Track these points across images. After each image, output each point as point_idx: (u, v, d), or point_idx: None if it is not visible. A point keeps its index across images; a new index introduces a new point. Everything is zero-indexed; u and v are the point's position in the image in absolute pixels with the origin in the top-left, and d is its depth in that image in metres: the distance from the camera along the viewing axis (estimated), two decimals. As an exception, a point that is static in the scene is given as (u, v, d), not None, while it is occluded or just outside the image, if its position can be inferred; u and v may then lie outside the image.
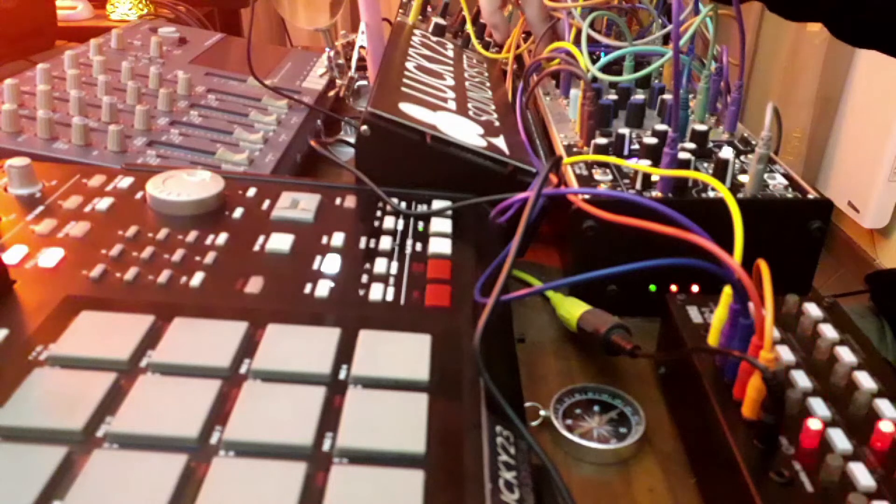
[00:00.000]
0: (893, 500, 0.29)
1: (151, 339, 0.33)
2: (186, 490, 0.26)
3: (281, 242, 0.41)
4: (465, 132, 0.52)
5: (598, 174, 0.51)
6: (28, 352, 0.31)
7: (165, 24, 0.98)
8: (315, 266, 0.40)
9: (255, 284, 0.38)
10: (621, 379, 0.44)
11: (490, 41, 0.79)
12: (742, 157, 0.54)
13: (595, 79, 0.61)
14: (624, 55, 0.65)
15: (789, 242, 0.48)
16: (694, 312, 0.41)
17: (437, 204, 0.48)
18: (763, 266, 0.33)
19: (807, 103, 2.01)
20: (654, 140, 0.51)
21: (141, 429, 0.28)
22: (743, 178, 0.50)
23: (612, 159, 0.50)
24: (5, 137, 0.58)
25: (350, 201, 0.47)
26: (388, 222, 0.45)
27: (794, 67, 2.02)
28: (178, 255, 0.39)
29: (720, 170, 0.50)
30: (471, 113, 0.58)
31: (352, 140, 0.53)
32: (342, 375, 0.32)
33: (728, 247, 0.33)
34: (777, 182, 0.50)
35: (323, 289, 0.38)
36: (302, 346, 0.33)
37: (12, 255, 0.38)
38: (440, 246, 0.43)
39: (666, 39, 0.68)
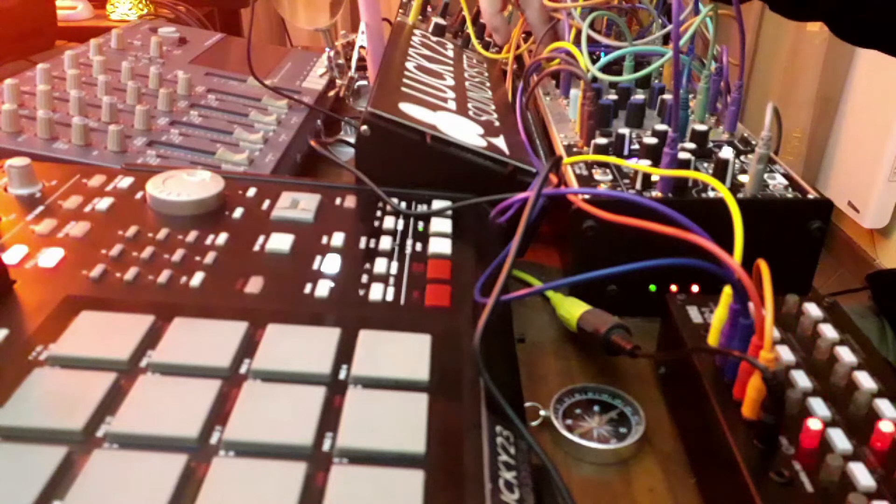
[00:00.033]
0: (893, 500, 0.29)
1: (151, 339, 0.33)
2: (186, 490, 0.26)
3: (281, 242, 0.41)
4: (465, 132, 0.52)
5: (598, 174, 0.51)
6: (28, 352, 0.31)
7: (165, 24, 0.98)
8: (315, 266, 0.40)
9: (255, 284, 0.38)
10: (621, 379, 0.44)
11: (490, 41, 0.79)
12: (742, 157, 0.54)
13: (595, 79, 0.61)
14: (624, 55, 0.65)
15: (789, 242, 0.48)
16: (694, 312, 0.41)
17: (437, 204, 0.48)
18: (763, 266, 0.33)
19: (807, 103, 2.01)
20: (654, 140, 0.51)
21: (141, 429, 0.28)
22: (743, 178, 0.50)
23: (612, 159, 0.50)
24: (5, 137, 0.58)
25: (350, 201, 0.47)
26: (388, 222, 0.45)
27: (794, 67, 2.02)
28: (178, 255, 0.39)
29: (720, 170, 0.50)
30: (471, 113, 0.58)
31: (352, 140, 0.53)
32: (342, 375, 0.32)
33: (728, 247, 0.33)
34: (777, 182, 0.50)
35: (323, 289, 0.38)
36: (302, 346, 0.33)
37: (12, 255, 0.38)
38: (440, 246, 0.43)
39: (666, 39, 0.68)
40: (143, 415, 0.28)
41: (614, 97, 0.62)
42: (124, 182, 0.47)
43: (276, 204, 0.46)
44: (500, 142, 0.54)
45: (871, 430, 0.32)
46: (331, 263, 0.40)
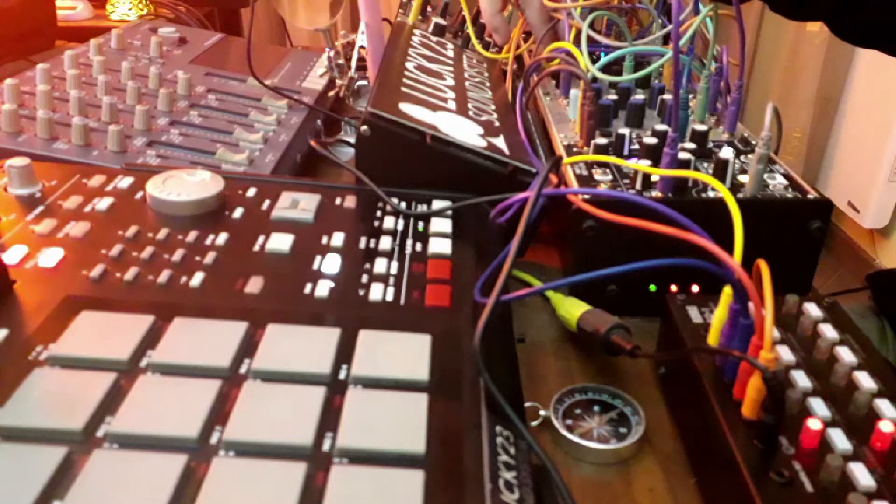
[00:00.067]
0: (893, 500, 0.29)
1: (151, 339, 0.33)
2: (186, 490, 0.26)
3: (281, 242, 0.41)
4: (465, 132, 0.52)
5: (598, 174, 0.51)
6: (28, 352, 0.31)
7: (165, 24, 0.98)
8: (315, 266, 0.40)
9: (255, 284, 0.38)
10: (621, 379, 0.44)
11: (490, 41, 0.79)
12: (742, 157, 0.54)
13: (595, 79, 0.61)
14: (624, 55, 0.65)
15: (789, 242, 0.48)
16: (694, 312, 0.41)
17: (437, 204, 0.48)
18: (763, 266, 0.33)
19: (807, 103, 2.01)
20: (654, 140, 0.51)
21: (141, 429, 0.28)
22: (743, 178, 0.50)
23: (612, 159, 0.50)
24: (5, 137, 0.58)
25: (350, 201, 0.47)
26: (388, 222, 0.45)
27: (794, 67, 2.02)
28: (178, 255, 0.39)
29: (720, 170, 0.50)
30: (471, 113, 0.58)
31: (352, 140, 0.53)
32: (342, 375, 0.32)
33: (728, 247, 0.33)
34: (777, 182, 0.50)
35: (323, 289, 0.38)
36: (302, 346, 0.33)
37: (12, 255, 0.38)
38: (440, 246, 0.43)
39: (666, 39, 0.68)
40: (143, 415, 0.28)
41: (614, 97, 0.62)
42: (124, 182, 0.47)
43: (276, 204, 0.46)
44: (500, 142, 0.54)
45: (871, 430, 0.32)
46: (331, 263, 0.40)
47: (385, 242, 0.43)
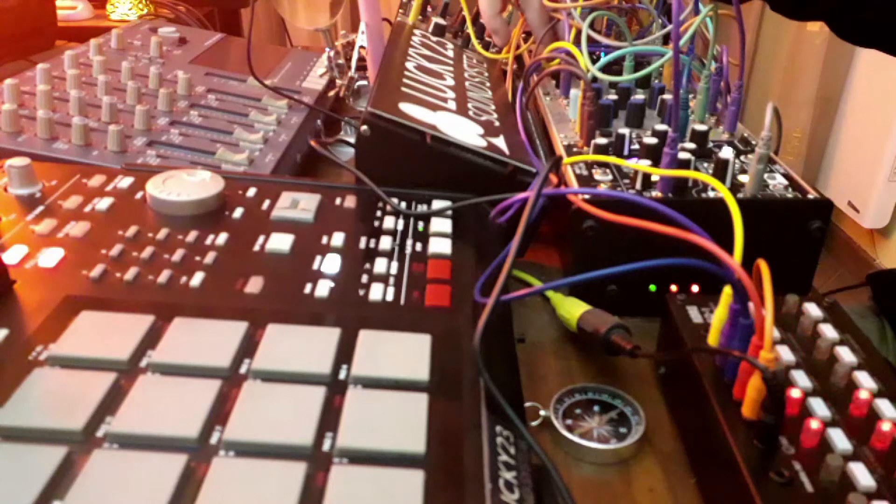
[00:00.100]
0: (893, 500, 0.29)
1: (151, 339, 0.33)
2: (186, 490, 0.26)
3: (281, 242, 0.41)
4: (465, 132, 0.52)
5: (598, 174, 0.51)
6: (28, 352, 0.31)
7: (165, 24, 0.98)
8: (315, 266, 0.40)
9: (255, 284, 0.38)
10: (621, 379, 0.44)
11: (490, 41, 0.79)
12: (742, 157, 0.54)
13: (595, 79, 0.61)
14: (624, 55, 0.65)
15: (789, 242, 0.48)
16: (694, 312, 0.41)
17: (437, 204, 0.48)
18: (763, 266, 0.33)
19: (807, 103, 2.01)
20: (654, 140, 0.51)
21: (141, 429, 0.28)
22: (743, 178, 0.50)
23: (612, 159, 0.50)
24: (5, 137, 0.58)
25: (350, 201, 0.47)
26: (388, 222, 0.45)
27: (794, 67, 2.02)
28: (178, 255, 0.39)
29: (720, 170, 0.50)
30: (471, 113, 0.58)
31: (352, 140, 0.53)
32: (342, 375, 0.32)
33: (728, 247, 0.33)
34: (777, 182, 0.50)
35: (323, 289, 0.38)
36: (302, 346, 0.33)
37: (12, 255, 0.38)
38: (440, 246, 0.43)
39: (666, 39, 0.68)
40: (143, 415, 0.28)
41: (614, 97, 0.62)
42: (124, 182, 0.47)
43: (276, 204, 0.46)
44: (500, 142, 0.54)
45: (872, 430, 0.32)
46: (331, 263, 0.40)
47: (385, 242, 0.43)
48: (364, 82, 0.82)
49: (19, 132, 0.59)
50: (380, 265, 0.40)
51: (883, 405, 0.34)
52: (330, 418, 0.29)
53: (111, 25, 1.15)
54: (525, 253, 0.54)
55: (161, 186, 0.44)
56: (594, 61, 0.61)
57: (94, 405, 0.28)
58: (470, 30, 0.80)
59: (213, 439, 0.28)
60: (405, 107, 0.51)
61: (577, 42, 0.63)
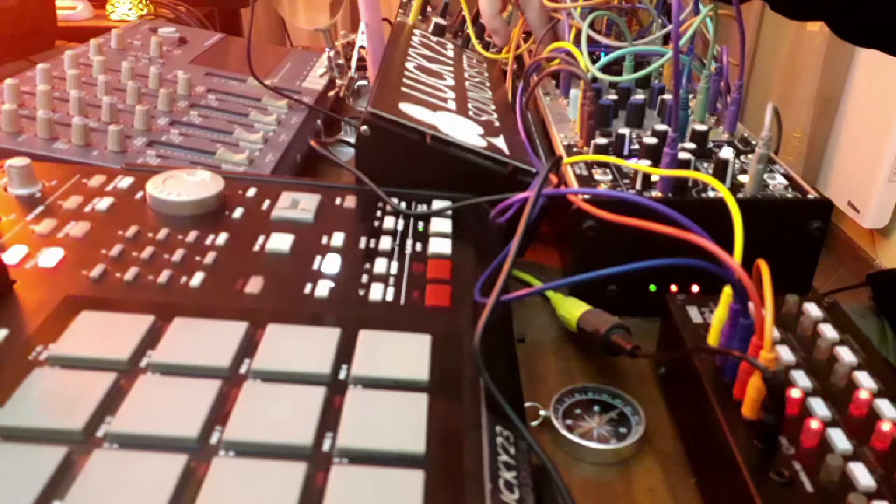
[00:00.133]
0: (893, 500, 0.29)
1: (151, 339, 0.33)
2: (186, 490, 0.26)
3: (281, 242, 0.41)
4: (465, 132, 0.52)
5: (598, 174, 0.51)
6: (28, 352, 0.31)
7: (165, 24, 0.98)
8: (315, 266, 0.40)
9: (255, 284, 0.38)
10: (621, 379, 0.44)
11: (490, 41, 0.79)
12: (742, 157, 0.54)
13: (595, 79, 0.61)
14: (624, 55, 0.65)
15: (789, 242, 0.48)
16: (694, 312, 0.41)
17: (437, 204, 0.48)
18: (763, 266, 0.33)
19: (807, 103, 2.01)
20: (654, 140, 0.51)
21: (141, 429, 0.28)
22: (743, 178, 0.50)
23: (612, 159, 0.50)
24: (5, 137, 0.58)
25: (350, 201, 0.47)
26: (388, 222, 0.45)
27: (794, 67, 2.02)
28: (178, 255, 0.39)
29: (720, 170, 0.50)
30: (471, 113, 0.58)
31: (352, 140, 0.53)
32: (342, 375, 0.32)
33: (728, 247, 0.33)
34: (777, 182, 0.50)
35: (323, 289, 0.38)
36: (302, 346, 0.33)
37: (12, 255, 0.38)
38: (440, 246, 0.43)
39: (666, 39, 0.68)
40: (143, 415, 0.28)
41: (614, 97, 0.62)
42: (124, 182, 0.47)
43: (276, 204, 0.46)
44: (500, 142, 0.54)
45: (872, 430, 0.32)
46: (331, 263, 0.40)
47: (385, 242, 0.43)
48: (364, 82, 0.82)
49: (19, 132, 0.59)
50: (380, 265, 0.40)
51: (883, 405, 0.34)
52: (330, 418, 0.29)
53: (111, 25, 1.16)
54: (525, 253, 0.54)
55: (161, 186, 0.44)
56: (594, 61, 0.61)
57: (94, 405, 0.28)
58: (470, 30, 0.80)
59: (213, 439, 0.28)
60: (405, 107, 0.51)
61: (577, 42, 0.63)
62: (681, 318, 0.41)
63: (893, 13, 0.57)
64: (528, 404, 0.40)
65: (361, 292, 0.38)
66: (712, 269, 0.33)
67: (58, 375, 0.30)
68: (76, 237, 0.40)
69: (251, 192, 0.47)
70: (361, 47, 0.79)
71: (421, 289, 0.39)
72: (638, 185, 0.49)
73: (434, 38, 0.78)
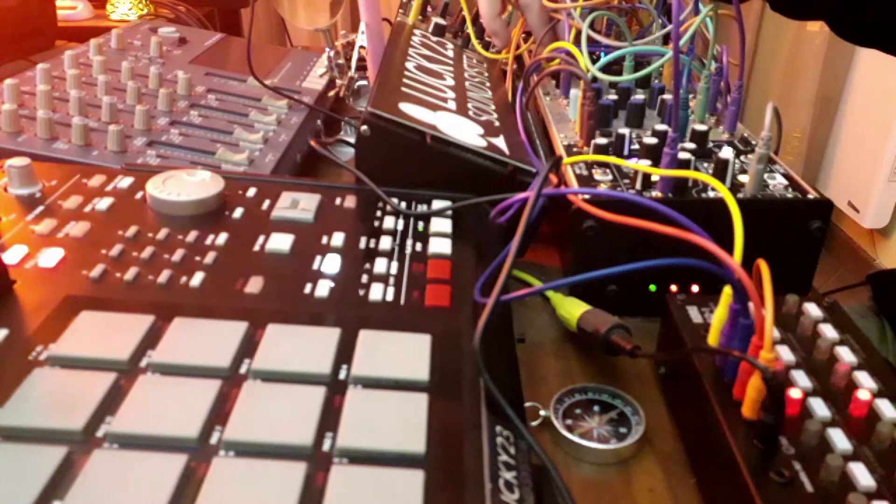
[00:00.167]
0: (893, 500, 0.29)
1: (151, 339, 0.33)
2: (186, 490, 0.26)
3: (281, 242, 0.41)
4: (465, 132, 0.52)
5: (598, 174, 0.51)
6: (28, 352, 0.31)
7: (165, 24, 0.98)
8: (315, 266, 0.40)
9: (255, 284, 0.38)
10: (621, 379, 0.44)
11: (490, 41, 0.79)
12: (742, 157, 0.54)
13: (595, 79, 0.61)
14: (624, 55, 0.65)
15: (789, 242, 0.48)
16: (694, 312, 0.41)
17: (437, 204, 0.48)
18: (763, 266, 0.33)
19: (807, 103, 2.01)
20: (654, 140, 0.51)
21: (141, 429, 0.28)
22: (743, 178, 0.50)
23: (612, 159, 0.50)
24: (5, 137, 0.58)
25: (350, 201, 0.47)
26: (388, 222, 0.45)
27: (794, 67, 2.02)
28: (178, 255, 0.39)
29: (720, 170, 0.50)
30: (471, 113, 0.58)
31: (352, 140, 0.53)
32: (342, 375, 0.32)
33: (728, 247, 0.33)
34: (777, 182, 0.50)
35: (323, 289, 0.38)
36: (302, 346, 0.33)
37: (12, 255, 0.38)
38: (440, 246, 0.43)
39: (666, 39, 0.68)
40: (143, 415, 0.28)
41: (614, 97, 0.62)
42: (124, 182, 0.47)
43: (276, 204, 0.46)
44: (500, 142, 0.54)
45: (872, 431, 0.32)
46: (331, 263, 0.40)
47: (385, 242, 0.43)
48: (364, 82, 0.82)
49: (19, 132, 0.59)
50: (380, 265, 0.40)
51: (883, 405, 0.34)
52: (330, 418, 0.29)
53: (111, 25, 1.16)
54: (525, 253, 0.54)
55: (161, 186, 0.44)
56: (594, 61, 0.61)
57: (94, 405, 0.28)
58: (470, 30, 0.80)
59: (213, 439, 0.28)
60: (405, 107, 0.51)
61: (577, 42, 0.63)
62: (681, 318, 0.41)
63: (893, 13, 0.57)
64: (528, 404, 0.40)
65: (361, 292, 0.38)
66: (712, 269, 0.33)
67: (58, 375, 0.30)
68: (76, 237, 0.40)
69: (251, 192, 0.47)
70: (361, 47, 0.79)
71: (421, 289, 0.39)
72: (638, 185, 0.49)
73: (434, 38, 0.79)
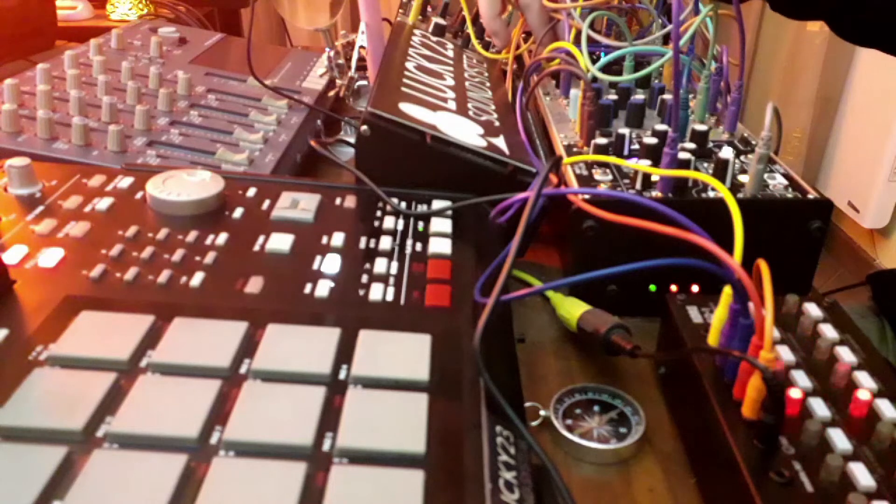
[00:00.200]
0: (893, 500, 0.29)
1: (151, 339, 0.33)
2: (186, 490, 0.26)
3: (281, 242, 0.41)
4: (465, 132, 0.52)
5: (598, 174, 0.51)
6: (28, 352, 0.31)
7: (165, 24, 0.98)
8: (315, 266, 0.40)
9: (255, 284, 0.38)
10: (621, 379, 0.44)
11: (490, 41, 0.79)
12: (742, 157, 0.54)
13: (595, 79, 0.61)
14: (624, 55, 0.65)
15: (789, 242, 0.48)
16: (694, 312, 0.41)
17: (437, 204, 0.48)
18: (763, 266, 0.33)
19: (807, 103, 2.01)
20: (654, 140, 0.51)
21: (141, 429, 0.28)
22: (743, 178, 0.50)
23: (612, 159, 0.50)
24: (5, 137, 0.58)
25: (350, 201, 0.47)
26: (388, 222, 0.45)
27: (794, 67, 2.02)
28: (178, 255, 0.39)
29: (720, 170, 0.50)
30: (471, 113, 0.58)
31: (352, 140, 0.53)
32: (342, 375, 0.32)
33: (728, 247, 0.33)
34: (777, 182, 0.50)
35: (323, 289, 0.38)
36: (302, 346, 0.33)
37: (12, 255, 0.38)
38: (440, 246, 0.43)
39: (666, 39, 0.68)
40: (143, 415, 0.28)
41: (614, 97, 0.62)
42: (124, 182, 0.47)
43: (276, 204, 0.46)
44: (500, 142, 0.54)
45: (872, 431, 0.32)
46: (331, 263, 0.40)
47: (385, 242, 0.43)
48: (364, 82, 0.82)
49: (19, 132, 0.59)
50: (380, 265, 0.40)
51: (883, 405, 0.34)
52: (330, 418, 0.29)
53: (111, 25, 1.16)
54: (525, 253, 0.54)
55: (161, 186, 0.44)
56: (594, 61, 0.61)
57: (94, 405, 0.28)
58: (470, 30, 0.80)
59: (213, 439, 0.28)
60: (405, 107, 0.51)
61: (577, 42, 0.63)
62: (681, 318, 0.41)
63: (893, 13, 0.57)
64: (528, 404, 0.40)
65: (361, 292, 0.38)
66: (712, 269, 0.33)
67: (58, 375, 0.30)
68: (76, 237, 0.40)
69: (251, 192, 0.47)
70: (361, 47, 0.79)
71: (421, 289, 0.39)
72: (638, 185, 0.49)
73: (434, 38, 0.79)
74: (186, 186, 0.44)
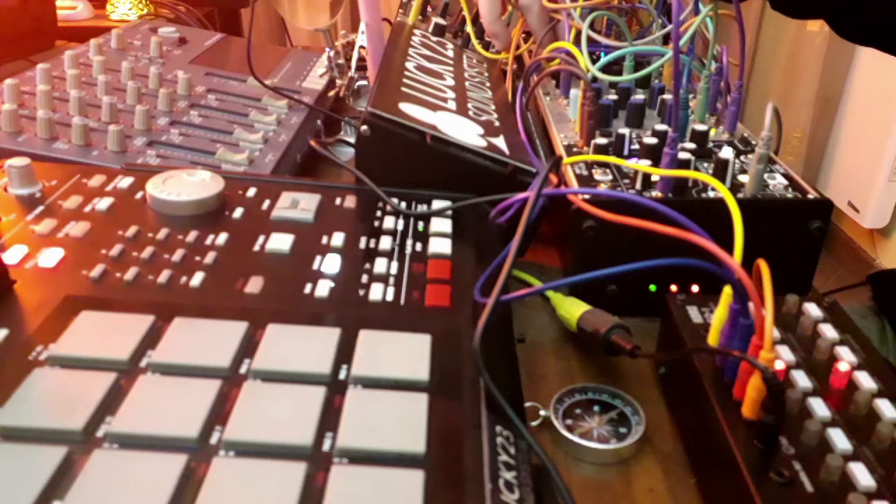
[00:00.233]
0: (893, 500, 0.29)
1: (151, 339, 0.33)
2: (186, 490, 0.26)
3: (281, 242, 0.41)
4: (465, 132, 0.52)
5: (598, 174, 0.51)
6: (28, 352, 0.31)
7: (165, 24, 0.98)
8: (315, 266, 0.40)
9: (255, 284, 0.38)
10: (621, 379, 0.44)
11: (490, 41, 0.79)
12: (742, 157, 0.54)
13: (595, 79, 0.61)
14: (624, 55, 0.65)
15: (789, 242, 0.48)
16: (694, 312, 0.41)
17: (437, 204, 0.48)
18: (763, 266, 0.33)
19: (807, 103, 2.01)
20: (654, 140, 0.51)
21: (141, 429, 0.28)
22: (743, 178, 0.50)
23: (612, 159, 0.50)
24: (5, 137, 0.58)
25: (350, 201, 0.47)
26: (388, 222, 0.45)
27: (794, 67, 2.02)
28: (178, 255, 0.39)
29: (720, 170, 0.50)
30: (471, 113, 0.58)
31: (352, 140, 0.53)
32: (342, 375, 0.32)
33: (728, 247, 0.33)
34: (777, 182, 0.50)
35: (323, 289, 0.38)
36: (302, 346, 0.33)
37: (12, 255, 0.38)
38: (440, 246, 0.43)
39: (666, 39, 0.68)
40: (143, 415, 0.28)
41: (614, 97, 0.62)
42: (124, 182, 0.47)
43: (276, 204, 0.46)
44: (500, 142, 0.54)
45: (872, 431, 0.32)
46: (331, 263, 0.40)
47: (385, 242, 0.43)
48: (364, 82, 0.82)
49: (19, 132, 0.59)
50: (380, 265, 0.40)
51: (883, 405, 0.34)
52: (330, 418, 0.29)
53: (111, 25, 1.16)
54: (525, 253, 0.54)
55: (161, 186, 0.44)
56: (594, 61, 0.61)
57: (94, 405, 0.28)
58: (470, 30, 0.80)
59: (213, 439, 0.28)
60: (405, 107, 0.51)
61: (577, 42, 0.63)
62: (681, 318, 0.41)
63: (893, 13, 0.57)
64: (528, 404, 0.40)
65: (361, 292, 0.38)
66: (712, 269, 0.33)
67: (58, 375, 0.30)
68: (76, 237, 0.40)
69: (251, 192, 0.47)
70: (361, 47, 0.79)
71: (421, 289, 0.39)
72: (638, 185, 0.49)
73: (434, 38, 0.79)
74: (186, 186, 0.44)
